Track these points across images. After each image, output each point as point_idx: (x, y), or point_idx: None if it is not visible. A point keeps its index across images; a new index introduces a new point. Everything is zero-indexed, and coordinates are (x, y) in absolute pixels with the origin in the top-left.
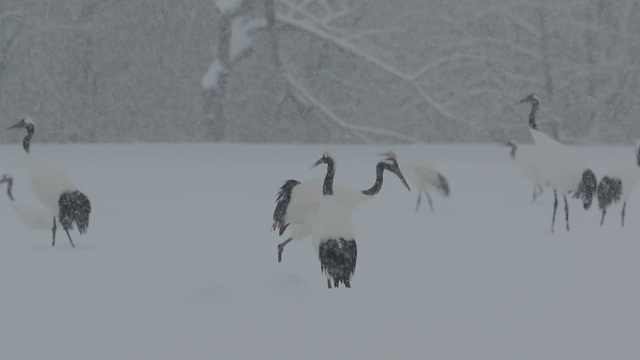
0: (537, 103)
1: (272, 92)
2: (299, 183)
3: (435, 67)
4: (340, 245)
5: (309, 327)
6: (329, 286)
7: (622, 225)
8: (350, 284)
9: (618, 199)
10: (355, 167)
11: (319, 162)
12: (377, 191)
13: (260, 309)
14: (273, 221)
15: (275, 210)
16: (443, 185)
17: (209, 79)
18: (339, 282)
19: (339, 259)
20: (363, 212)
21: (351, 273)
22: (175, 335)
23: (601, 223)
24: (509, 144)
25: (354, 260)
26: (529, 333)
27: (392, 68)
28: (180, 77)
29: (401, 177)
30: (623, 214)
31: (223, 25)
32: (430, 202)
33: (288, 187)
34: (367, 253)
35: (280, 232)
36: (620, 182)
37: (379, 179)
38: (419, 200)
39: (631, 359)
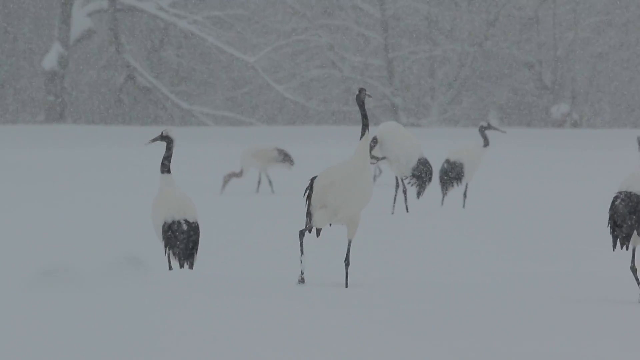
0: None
1: (113, 73)
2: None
3: (275, 48)
4: (185, 227)
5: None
6: (170, 267)
7: (464, 207)
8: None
9: (460, 181)
10: (196, 149)
11: (155, 140)
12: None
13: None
14: (307, 220)
15: (307, 209)
16: (287, 159)
17: (50, 61)
18: (184, 263)
19: (184, 240)
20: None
21: (195, 254)
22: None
23: (442, 204)
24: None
25: (198, 241)
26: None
27: (232, 50)
28: (20, 58)
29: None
30: (465, 195)
31: (64, 6)
32: (270, 183)
33: (311, 184)
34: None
35: (317, 234)
36: (462, 165)
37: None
38: (259, 182)
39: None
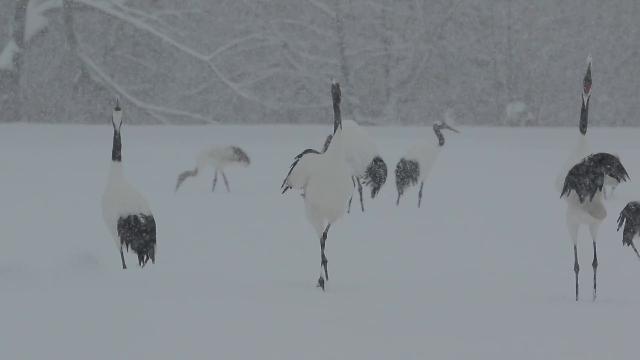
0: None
1: (68, 72)
2: (315, 152)
3: (230, 47)
4: (142, 221)
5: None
6: (124, 266)
7: (419, 206)
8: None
9: (415, 180)
10: (151, 147)
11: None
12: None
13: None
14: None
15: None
16: (243, 158)
17: (4, 59)
18: (145, 258)
19: (143, 235)
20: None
21: (155, 246)
22: None
23: (397, 203)
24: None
25: (155, 234)
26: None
27: (187, 48)
28: None
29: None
30: (420, 194)
31: (18, 4)
32: (226, 182)
33: (303, 154)
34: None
35: (283, 191)
36: (417, 164)
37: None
38: (215, 181)
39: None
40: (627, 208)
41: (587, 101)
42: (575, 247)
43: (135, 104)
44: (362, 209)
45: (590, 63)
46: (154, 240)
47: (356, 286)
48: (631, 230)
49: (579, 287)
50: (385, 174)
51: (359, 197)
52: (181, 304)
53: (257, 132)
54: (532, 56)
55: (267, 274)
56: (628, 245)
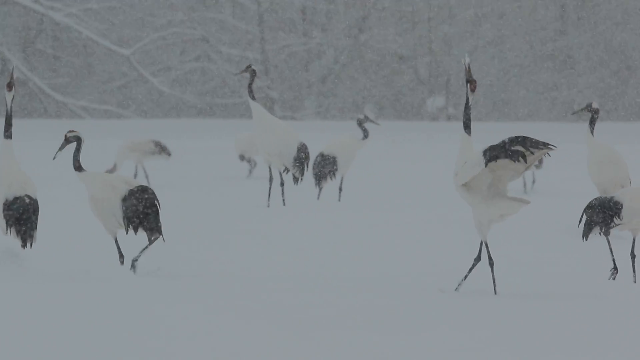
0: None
1: None
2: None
3: (151, 41)
4: (27, 201)
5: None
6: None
7: (339, 200)
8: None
9: (334, 175)
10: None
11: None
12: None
13: None
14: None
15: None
16: (163, 150)
17: None
18: (27, 241)
19: (26, 218)
20: None
21: (35, 231)
22: None
23: (318, 198)
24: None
25: (37, 217)
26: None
27: (108, 42)
28: None
29: None
30: (340, 189)
31: None
32: (146, 176)
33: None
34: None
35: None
36: (335, 158)
37: None
38: (135, 175)
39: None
40: (588, 205)
41: (471, 100)
42: (486, 244)
43: (56, 98)
44: (284, 204)
45: (467, 64)
46: (35, 225)
47: (273, 278)
48: (588, 225)
49: (495, 281)
50: (308, 157)
51: (280, 191)
52: (89, 297)
53: (177, 126)
54: (452, 51)
55: (182, 267)
56: (586, 240)
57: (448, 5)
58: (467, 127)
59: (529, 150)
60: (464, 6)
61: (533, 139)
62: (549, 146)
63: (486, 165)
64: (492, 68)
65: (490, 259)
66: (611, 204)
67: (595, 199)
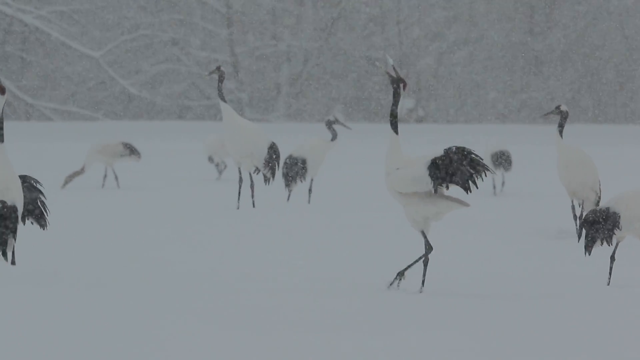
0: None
1: None
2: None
3: (120, 44)
4: (5, 210)
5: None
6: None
7: (309, 202)
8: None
9: (303, 177)
10: (40, 144)
11: None
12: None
13: None
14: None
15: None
16: (133, 152)
17: None
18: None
19: (3, 225)
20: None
21: (14, 240)
22: None
23: (287, 199)
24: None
25: (16, 226)
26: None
27: (77, 45)
28: None
29: None
30: (310, 190)
31: None
32: (116, 178)
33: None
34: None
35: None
36: (304, 161)
37: None
38: (105, 177)
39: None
40: (585, 220)
41: (400, 100)
42: (423, 233)
43: (25, 100)
44: (253, 206)
45: (393, 65)
46: (13, 234)
47: (243, 280)
48: (591, 240)
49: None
50: (278, 157)
51: (250, 193)
52: (66, 301)
53: (147, 128)
54: (422, 53)
55: (152, 270)
56: (589, 255)
57: (417, 7)
58: (394, 126)
59: (479, 173)
60: (433, 8)
61: (475, 155)
62: (486, 170)
63: (435, 190)
64: (462, 70)
65: (428, 245)
66: (609, 216)
67: (591, 212)
